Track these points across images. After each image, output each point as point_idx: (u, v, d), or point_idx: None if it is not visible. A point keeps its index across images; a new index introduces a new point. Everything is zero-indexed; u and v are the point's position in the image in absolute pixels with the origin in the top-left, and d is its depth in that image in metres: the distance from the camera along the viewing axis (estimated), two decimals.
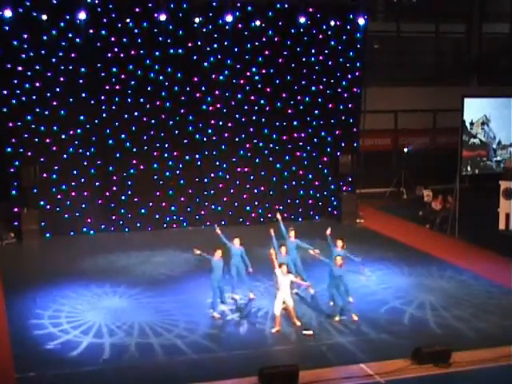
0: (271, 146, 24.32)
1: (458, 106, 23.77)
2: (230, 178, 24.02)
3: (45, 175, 22.17)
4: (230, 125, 23.77)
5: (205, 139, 23.64)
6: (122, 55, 22.31)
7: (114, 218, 23.14)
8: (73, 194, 22.64)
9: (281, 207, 24.58)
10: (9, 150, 21.97)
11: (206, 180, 23.85)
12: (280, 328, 15.15)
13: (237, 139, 23.92)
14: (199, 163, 23.73)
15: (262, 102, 23.93)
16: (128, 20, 22.12)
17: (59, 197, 22.53)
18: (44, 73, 21.75)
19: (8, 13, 20.67)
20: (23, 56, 21.46)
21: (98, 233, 22.93)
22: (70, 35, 21.69)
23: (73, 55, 21.91)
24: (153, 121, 23.01)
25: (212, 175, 23.89)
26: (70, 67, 21.95)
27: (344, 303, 15.91)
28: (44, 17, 21.12)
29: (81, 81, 22.15)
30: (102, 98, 22.46)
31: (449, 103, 27.76)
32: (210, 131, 23.66)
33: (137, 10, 22.18)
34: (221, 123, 23.68)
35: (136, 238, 22.42)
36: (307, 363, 13.59)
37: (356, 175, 25.22)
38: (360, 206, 25.40)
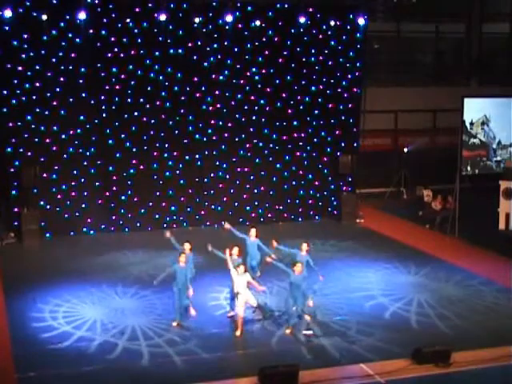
0: (271, 146, 24.31)
1: (458, 106, 23.76)
2: (230, 178, 24.02)
3: (45, 175, 22.15)
4: (229, 125, 23.76)
5: (205, 139, 23.63)
6: (122, 55, 22.29)
7: (114, 218, 23.13)
8: (73, 194, 22.63)
9: (281, 207, 24.68)
10: (9, 150, 21.96)
11: (205, 180, 23.84)
12: (242, 331, 14.96)
13: (237, 139, 23.91)
14: (199, 163, 23.72)
15: (262, 102, 23.92)
16: (128, 20, 22.09)
17: (59, 197, 22.52)
18: (44, 73, 21.73)
19: (8, 13, 20.66)
20: (23, 56, 21.43)
21: (97, 233, 22.92)
22: (70, 35, 21.66)
23: (73, 55, 21.88)
24: (153, 121, 23.00)
25: (212, 175, 23.88)
26: (70, 67, 21.92)
27: (291, 312, 15.19)
28: (44, 17, 21.08)
29: (81, 81, 22.12)
30: (102, 97, 22.44)
31: (449, 103, 27.75)
32: (209, 131, 23.65)
33: (137, 10, 22.16)
34: (221, 123, 23.67)
35: (136, 238, 22.42)
36: (307, 363, 13.60)
37: (356, 175, 25.22)
38: (360, 205, 25.42)
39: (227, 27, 22.86)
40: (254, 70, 23.68)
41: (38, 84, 21.75)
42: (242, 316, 15.02)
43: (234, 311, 15.41)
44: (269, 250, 16.71)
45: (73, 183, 22.58)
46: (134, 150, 22.99)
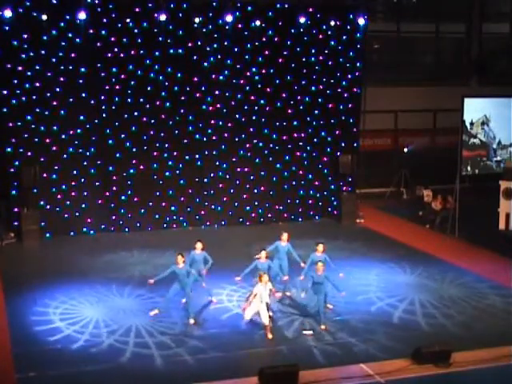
0: (271, 146, 24.31)
1: (458, 106, 23.77)
2: (230, 178, 24.01)
3: (45, 175, 22.14)
4: (229, 125, 23.76)
5: (205, 139, 23.62)
6: (122, 55, 22.28)
7: (114, 218, 23.12)
8: (73, 194, 22.63)
9: (281, 207, 24.68)
10: (9, 150, 21.95)
11: (205, 180, 23.84)
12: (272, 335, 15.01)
13: (237, 139, 23.90)
14: (199, 163, 23.72)
15: (262, 102, 23.92)
16: (128, 20, 22.09)
17: (59, 197, 22.51)
18: (44, 73, 21.72)
19: (8, 13, 20.66)
20: (23, 56, 21.42)
21: (97, 233, 22.92)
22: (70, 35, 21.65)
23: (73, 55, 21.88)
24: (153, 121, 23.00)
25: (212, 175, 23.88)
26: (70, 67, 21.91)
27: (319, 310, 15.53)
28: (44, 17, 21.08)
29: (81, 81, 22.12)
30: (102, 97, 22.43)
31: (449, 103, 27.77)
32: (209, 131, 23.65)
33: (137, 10, 22.16)
34: (221, 123, 23.67)
35: (136, 238, 22.40)
36: (307, 363, 13.60)
37: (356, 175, 25.21)
38: (360, 205, 25.42)
39: (227, 27, 22.86)
40: (254, 70, 23.67)
41: (38, 84, 21.73)
42: (267, 324, 14.97)
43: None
44: (296, 256, 17.09)
45: (73, 183, 22.58)
46: (134, 150, 22.98)
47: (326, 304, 15.96)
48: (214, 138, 23.70)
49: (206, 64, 23.09)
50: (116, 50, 22.21)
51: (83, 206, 22.74)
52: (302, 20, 23.27)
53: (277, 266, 16.99)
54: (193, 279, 15.81)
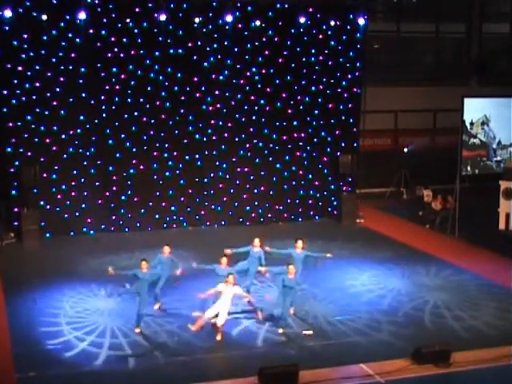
0: (271, 146, 24.32)
1: (458, 106, 23.77)
2: (230, 178, 24.01)
3: (45, 175, 22.14)
4: (229, 125, 23.76)
5: (205, 139, 23.63)
6: (121, 55, 22.28)
7: (114, 218, 23.12)
8: (73, 194, 22.63)
9: (281, 207, 24.68)
10: (9, 150, 21.96)
11: (205, 180, 23.84)
12: (198, 328, 14.80)
13: (237, 139, 23.91)
14: (199, 163, 23.72)
15: (262, 102, 23.92)
16: (128, 20, 22.09)
17: (59, 197, 22.52)
18: (44, 73, 21.73)
19: (8, 13, 20.67)
20: (23, 56, 21.42)
21: (98, 233, 22.91)
22: (70, 35, 21.65)
23: (73, 55, 21.88)
24: (153, 121, 23.00)
25: (212, 175, 23.88)
26: (70, 67, 21.92)
27: (282, 313, 15.31)
28: (44, 17, 21.09)
29: (81, 81, 22.12)
30: (102, 97, 22.43)
31: (449, 103, 27.77)
32: (209, 131, 23.65)
33: (137, 10, 22.17)
34: (221, 123, 23.67)
35: (136, 238, 22.39)
36: (307, 363, 13.60)
37: (356, 175, 25.21)
38: (360, 205, 25.41)
39: (227, 27, 22.86)
40: (254, 70, 23.67)
41: (38, 84, 21.73)
42: (206, 317, 14.86)
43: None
44: (263, 261, 16.65)
45: (73, 183, 22.58)
46: (134, 150, 22.98)
47: (292, 307, 15.78)
48: (214, 138, 23.70)
49: (206, 64, 23.09)
50: (116, 49, 22.21)
51: (83, 206, 22.74)
52: (302, 20, 23.27)
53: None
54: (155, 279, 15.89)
